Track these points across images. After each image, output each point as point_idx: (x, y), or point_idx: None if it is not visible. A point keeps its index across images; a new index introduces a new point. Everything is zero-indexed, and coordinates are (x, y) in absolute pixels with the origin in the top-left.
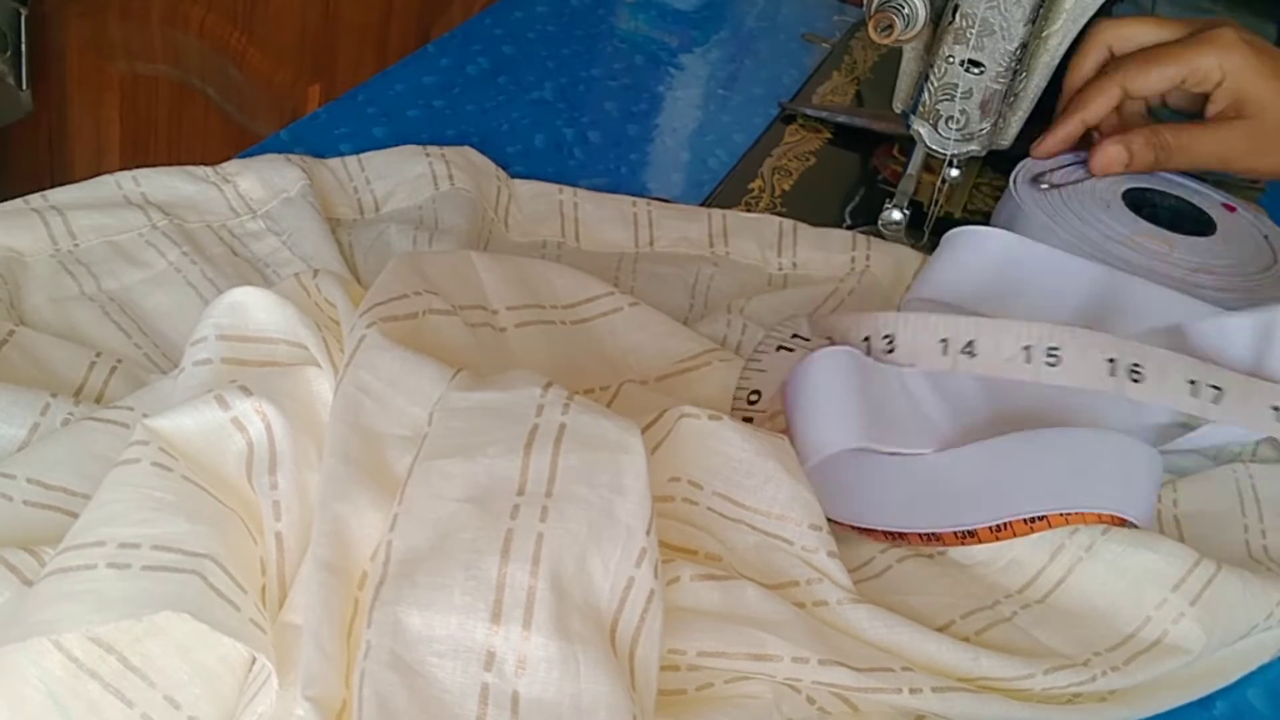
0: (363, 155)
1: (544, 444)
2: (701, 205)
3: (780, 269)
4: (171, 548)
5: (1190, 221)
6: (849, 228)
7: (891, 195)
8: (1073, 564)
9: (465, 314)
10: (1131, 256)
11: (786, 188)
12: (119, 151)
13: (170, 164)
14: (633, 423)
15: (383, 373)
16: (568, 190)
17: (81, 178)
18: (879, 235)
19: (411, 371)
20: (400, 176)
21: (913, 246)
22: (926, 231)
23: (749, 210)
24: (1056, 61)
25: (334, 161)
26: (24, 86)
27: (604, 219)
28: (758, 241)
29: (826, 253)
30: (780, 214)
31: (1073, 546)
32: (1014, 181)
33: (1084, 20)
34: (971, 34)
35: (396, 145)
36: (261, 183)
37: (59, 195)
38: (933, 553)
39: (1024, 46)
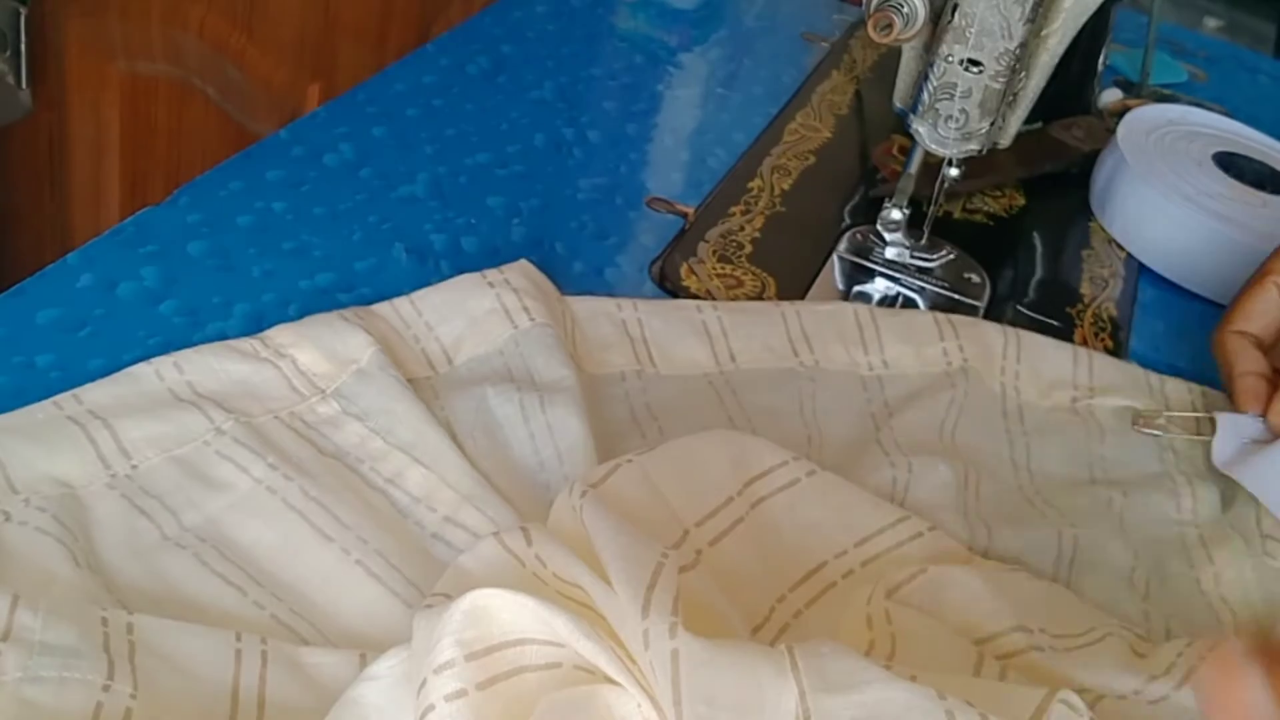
0: (415, 295)
1: None
2: (700, 204)
3: (871, 369)
4: None
5: (1275, 184)
6: (848, 227)
7: (891, 194)
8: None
9: (661, 539)
10: (1226, 210)
11: (786, 187)
12: (119, 151)
13: (170, 162)
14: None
15: (722, 701)
16: (625, 304)
17: (81, 178)
18: (878, 235)
19: (749, 685)
20: (465, 315)
21: (913, 243)
22: (926, 231)
23: (748, 210)
24: (1055, 61)
25: (382, 307)
26: (24, 86)
27: (675, 336)
28: (841, 341)
29: (915, 345)
30: (779, 212)
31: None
32: (1119, 135)
33: (1083, 19)
34: (971, 33)
35: (395, 144)
36: (323, 354)
37: (94, 395)
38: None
39: (1023, 46)
